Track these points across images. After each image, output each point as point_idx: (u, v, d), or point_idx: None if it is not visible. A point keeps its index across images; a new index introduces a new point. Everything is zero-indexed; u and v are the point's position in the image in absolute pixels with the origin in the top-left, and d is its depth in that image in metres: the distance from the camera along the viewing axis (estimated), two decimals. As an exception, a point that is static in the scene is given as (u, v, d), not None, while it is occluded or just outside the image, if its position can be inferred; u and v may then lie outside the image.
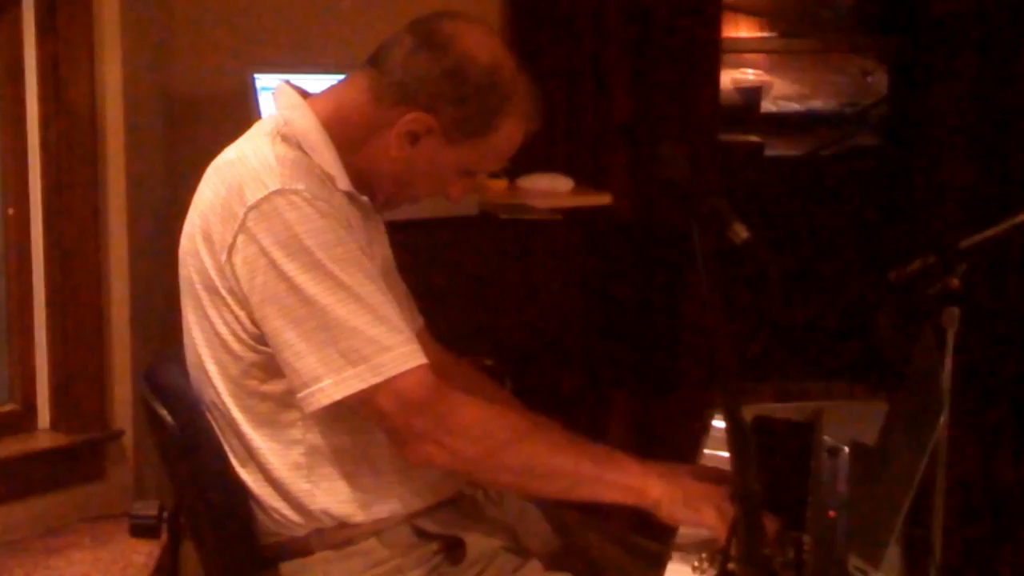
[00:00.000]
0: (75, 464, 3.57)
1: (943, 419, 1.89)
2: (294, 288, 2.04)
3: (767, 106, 7.61)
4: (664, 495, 2.13)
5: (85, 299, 3.54)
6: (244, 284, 2.08)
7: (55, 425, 3.58)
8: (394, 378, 2.05)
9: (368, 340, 2.04)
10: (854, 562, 1.87)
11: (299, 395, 2.07)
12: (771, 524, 1.84)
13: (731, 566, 1.54)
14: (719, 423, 2.64)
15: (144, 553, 3.23)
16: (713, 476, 2.28)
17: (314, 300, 2.03)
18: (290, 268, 2.04)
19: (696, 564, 1.99)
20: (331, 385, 2.04)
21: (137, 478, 3.65)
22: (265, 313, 2.07)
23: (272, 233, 2.04)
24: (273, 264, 2.04)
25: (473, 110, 2.19)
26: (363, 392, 2.04)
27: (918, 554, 2.20)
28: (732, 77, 7.49)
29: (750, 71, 7.62)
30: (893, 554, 1.96)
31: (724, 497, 2.11)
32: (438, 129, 2.19)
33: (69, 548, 3.34)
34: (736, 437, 1.41)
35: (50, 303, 3.53)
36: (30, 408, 3.57)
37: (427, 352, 2.39)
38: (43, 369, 3.56)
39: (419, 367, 2.08)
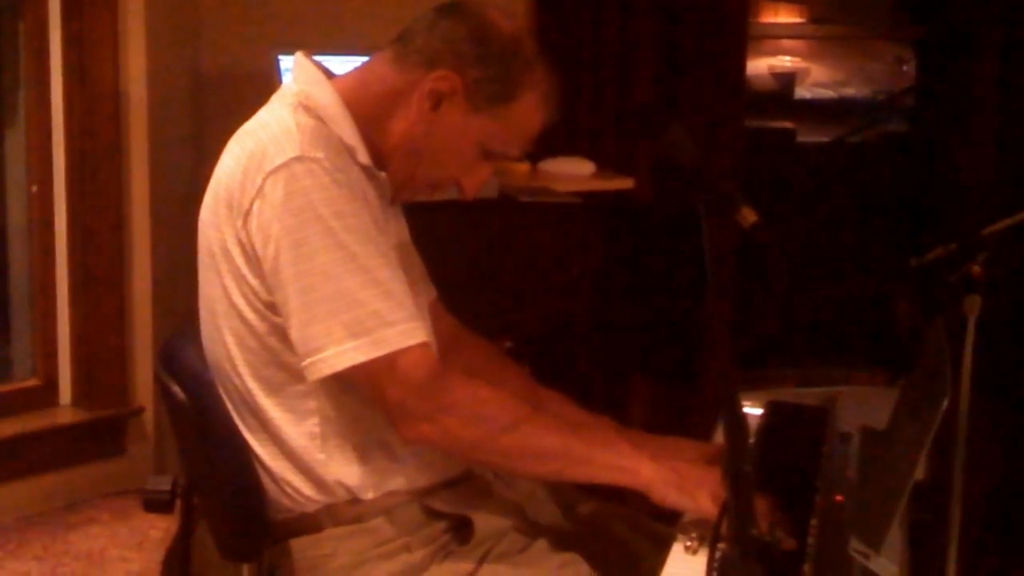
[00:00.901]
0: (96, 440, 3.60)
1: (944, 405, 1.88)
2: (305, 256, 2.06)
3: (802, 92, 7.60)
4: (656, 477, 2.14)
5: (107, 276, 3.56)
6: (259, 250, 2.10)
7: (76, 401, 3.61)
8: (395, 353, 2.06)
9: (373, 313, 2.06)
10: (855, 545, 1.88)
11: (303, 363, 2.08)
12: (763, 503, 1.85)
13: (721, 546, 1.55)
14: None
15: (161, 529, 3.25)
16: (710, 454, 2.29)
17: (323, 269, 2.05)
18: (302, 236, 2.05)
19: (688, 544, 2.00)
20: (333, 355, 2.06)
21: (157, 454, 3.68)
22: (276, 280, 2.09)
23: (288, 199, 2.06)
24: (286, 231, 2.06)
25: (496, 74, 2.20)
26: (364, 365, 2.06)
27: (921, 537, 2.20)
28: (768, 63, 7.49)
29: (787, 58, 7.61)
30: (895, 538, 1.96)
31: (715, 478, 2.13)
32: (461, 90, 2.19)
33: (87, 523, 3.37)
34: (729, 417, 1.42)
35: (73, 280, 3.55)
36: (52, 384, 3.60)
37: (439, 324, 2.45)
38: (65, 346, 3.59)
39: (421, 344, 2.10)
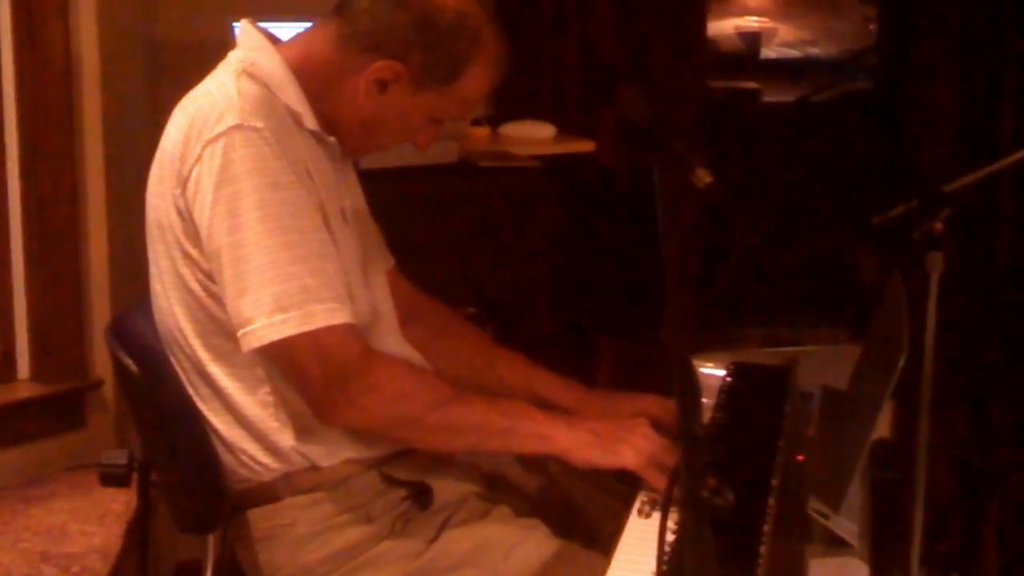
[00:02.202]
0: (55, 414, 3.59)
1: (900, 363, 1.87)
2: (238, 226, 2.04)
3: (768, 53, 7.59)
4: (572, 441, 2.14)
5: (63, 249, 3.54)
6: (196, 219, 2.08)
7: (35, 375, 3.59)
8: (320, 330, 2.05)
9: (301, 287, 2.04)
10: (814, 505, 1.87)
11: (237, 334, 2.07)
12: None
13: (672, 509, 1.53)
14: (703, 369, 2.64)
15: (122, 502, 3.24)
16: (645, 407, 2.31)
17: (255, 241, 2.03)
18: (237, 206, 2.03)
19: (639, 508, 1.99)
20: (262, 328, 2.04)
21: (118, 427, 3.66)
22: (210, 249, 2.07)
23: (224, 168, 2.04)
24: (221, 200, 2.04)
25: (441, 57, 2.18)
26: (290, 340, 2.04)
27: (887, 497, 2.20)
28: (735, 23, 7.47)
29: (754, 18, 7.59)
30: (856, 497, 1.95)
31: (642, 433, 2.14)
32: (406, 76, 2.18)
33: (48, 497, 3.35)
34: (681, 379, 1.40)
35: (28, 253, 3.53)
36: (9, 359, 3.58)
37: (397, 292, 2.44)
38: (22, 319, 3.57)
39: (346, 325, 2.09)
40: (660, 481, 2.05)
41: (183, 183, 2.09)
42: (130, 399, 2.37)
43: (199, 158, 2.06)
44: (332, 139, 2.23)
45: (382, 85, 2.19)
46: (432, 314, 2.62)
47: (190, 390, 2.24)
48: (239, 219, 2.03)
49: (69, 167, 3.51)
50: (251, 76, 2.15)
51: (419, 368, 2.30)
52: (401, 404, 2.14)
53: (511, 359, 2.58)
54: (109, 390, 3.61)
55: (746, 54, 7.40)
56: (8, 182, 3.50)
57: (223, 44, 3.49)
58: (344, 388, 2.09)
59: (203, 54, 3.74)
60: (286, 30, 2.34)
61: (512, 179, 3.89)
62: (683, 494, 1.30)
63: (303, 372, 2.10)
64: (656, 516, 1.90)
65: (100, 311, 3.60)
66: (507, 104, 4.19)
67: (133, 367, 2.22)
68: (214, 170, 2.05)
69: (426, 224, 3.62)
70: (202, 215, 2.07)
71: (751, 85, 6.81)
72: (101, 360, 3.59)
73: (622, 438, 2.13)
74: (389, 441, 2.24)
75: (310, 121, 2.18)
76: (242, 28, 2.29)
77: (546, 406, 2.45)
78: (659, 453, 2.11)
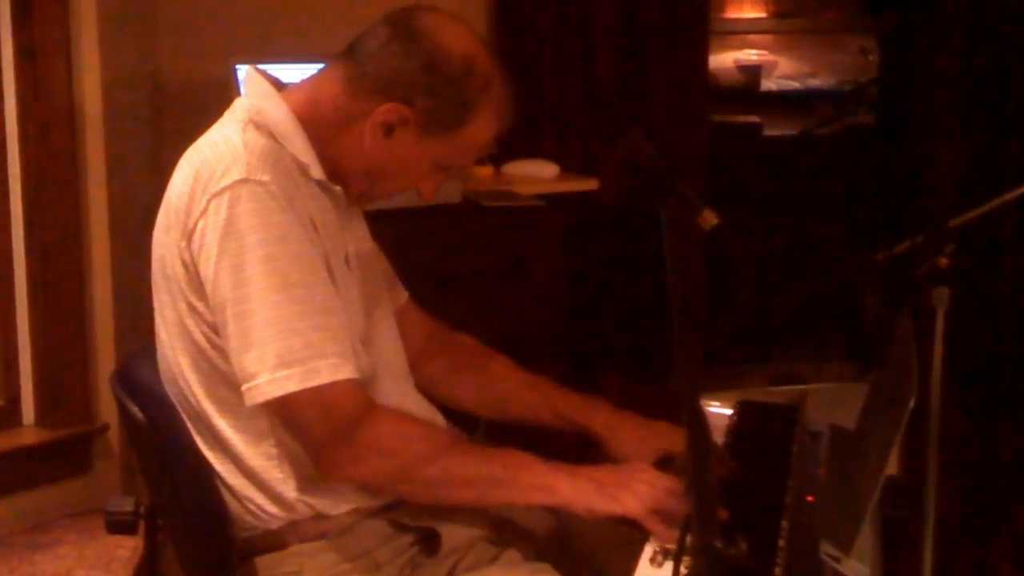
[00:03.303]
0: (61, 459, 3.58)
1: (911, 403, 1.86)
2: (243, 280, 2.03)
3: (768, 85, 7.61)
4: (574, 491, 2.12)
5: (67, 294, 3.54)
6: (201, 271, 2.08)
7: (40, 421, 3.59)
8: (324, 386, 2.04)
9: (305, 344, 2.03)
10: (825, 548, 1.85)
11: (242, 389, 2.06)
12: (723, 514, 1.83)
13: (685, 559, 1.53)
14: (710, 408, 2.63)
15: (128, 548, 3.23)
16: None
17: (261, 295, 2.02)
18: (242, 260, 2.03)
19: (651, 556, 1.98)
20: (265, 383, 2.03)
21: (124, 472, 3.65)
22: (216, 303, 2.07)
23: (230, 222, 2.04)
24: (227, 254, 2.04)
25: (448, 102, 2.17)
26: (294, 395, 2.03)
27: (896, 535, 2.18)
28: (734, 57, 7.49)
29: (753, 51, 7.62)
30: (867, 536, 1.93)
31: (646, 482, 2.11)
32: (413, 120, 2.18)
33: (54, 544, 3.34)
34: (692, 427, 1.39)
35: (32, 298, 3.53)
36: (14, 404, 3.58)
37: (415, 324, 2.49)
38: (27, 365, 3.57)
39: (350, 381, 2.08)
40: (662, 530, 2.03)
41: (188, 236, 2.08)
42: (136, 446, 2.36)
43: (204, 211, 2.06)
44: (338, 188, 2.22)
45: (388, 129, 2.18)
46: (452, 344, 2.62)
47: (196, 437, 2.23)
48: (244, 273, 2.03)
49: (73, 211, 3.52)
50: (257, 127, 2.15)
51: (422, 422, 2.27)
52: (400, 460, 2.13)
53: (537, 383, 2.57)
54: (114, 435, 3.61)
55: (747, 87, 7.42)
56: (12, 227, 3.50)
57: (225, 85, 3.52)
58: (347, 444, 2.08)
59: (205, 96, 3.80)
60: (288, 72, 2.34)
61: (516, 218, 3.89)
62: (696, 544, 1.29)
63: (306, 427, 2.09)
64: (668, 566, 1.89)
65: (105, 356, 3.60)
66: (510, 143, 4.20)
67: (139, 415, 2.20)
68: (219, 224, 2.04)
69: (430, 263, 3.62)
70: (207, 269, 2.06)
71: (752, 119, 6.82)
72: (106, 405, 3.59)
73: (624, 485, 2.11)
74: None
75: (316, 171, 2.18)
76: (247, 75, 2.28)
77: (574, 428, 2.45)
78: (663, 500, 2.08)
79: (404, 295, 2.55)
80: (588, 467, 2.24)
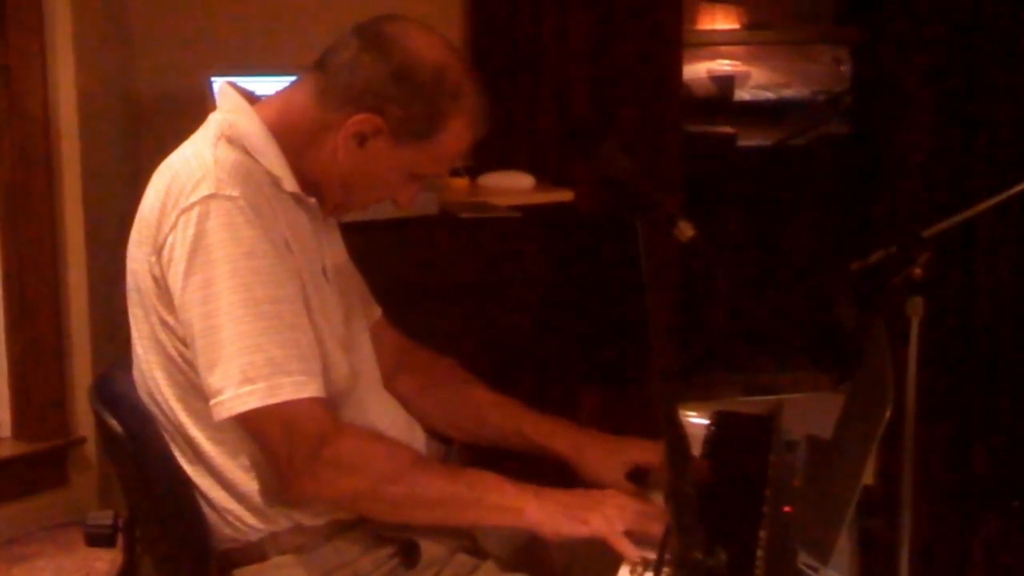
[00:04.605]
0: (38, 472, 3.57)
1: (887, 414, 1.87)
2: (210, 296, 2.03)
3: (742, 95, 7.63)
4: (541, 513, 2.13)
5: (44, 307, 3.53)
6: (170, 286, 2.08)
7: (16, 434, 3.58)
8: (288, 403, 2.05)
9: (268, 360, 2.03)
10: (803, 559, 1.86)
11: (209, 404, 2.06)
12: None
13: (666, 570, 1.53)
14: (687, 418, 2.64)
15: (106, 560, 3.22)
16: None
17: (226, 311, 2.03)
18: (209, 275, 2.03)
19: (631, 569, 1.98)
20: (230, 399, 2.03)
21: (101, 484, 3.64)
22: (184, 318, 2.07)
23: (198, 238, 2.04)
24: (194, 269, 2.04)
25: (420, 111, 2.18)
26: (257, 412, 2.04)
27: (871, 546, 2.20)
28: (707, 67, 7.51)
29: (726, 61, 7.63)
30: (844, 545, 1.95)
31: (613, 502, 2.12)
32: (386, 130, 2.18)
33: (33, 556, 3.33)
34: (671, 437, 1.40)
35: (8, 312, 3.53)
36: (-9, 416, 3.57)
37: (385, 342, 2.46)
38: (3, 377, 3.57)
39: (313, 399, 2.08)
40: (629, 548, 2.03)
41: (158, 251, 2.09)
42: (114, 459, 2.36)
43: (174, 226, 2.06)
44: (312, 200, 2.22)
45: (361, 139, 2.19)
46: (423, 362, 2.62)
47: (173, 449, 2.22)
48: (211, 289, 2.03)
49: (49, 224, 3.51)
50: (229, 141, 2.15)
51: (387, 440, 2.25)
52: (362, 478, 2.13)
53: (504, 404, 2.57)
54: (91, 447, 3.60)
55: (720, 97, 7.44)
56: (-12, 242, 3.50)
57: (201, 98, 3.52)
58: (309, 461, 2.08)
59: (181, 109, 3.80)
60: (263, 85, 2.34)
61: (492, 229, 3.89)
62: (676, 555, 1.30)
63: (269, 444, 2.09)
64: (647, 576, 1.90)
65: (81, 368, 3.59)
66: (485, 154, 4.20)
67: (117, 427, 2.20)
68: (188, 239, 2.04)
69: (407, 275, 3.62)
70: (176, 284, 2.06)
71: (726, 129, 6.84)
72: (83, 417, 3.58)
73: (591, 507, 2.11)
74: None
75: (290, 184, 2.18)
76: (221, 89, 2.28)
77: (541, 451, 2.46)
78: (633, 520, 2.09)
79: (378, 312, 2.56)
80: (557, 490, 2.23)
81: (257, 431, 2.10)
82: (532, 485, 2.20)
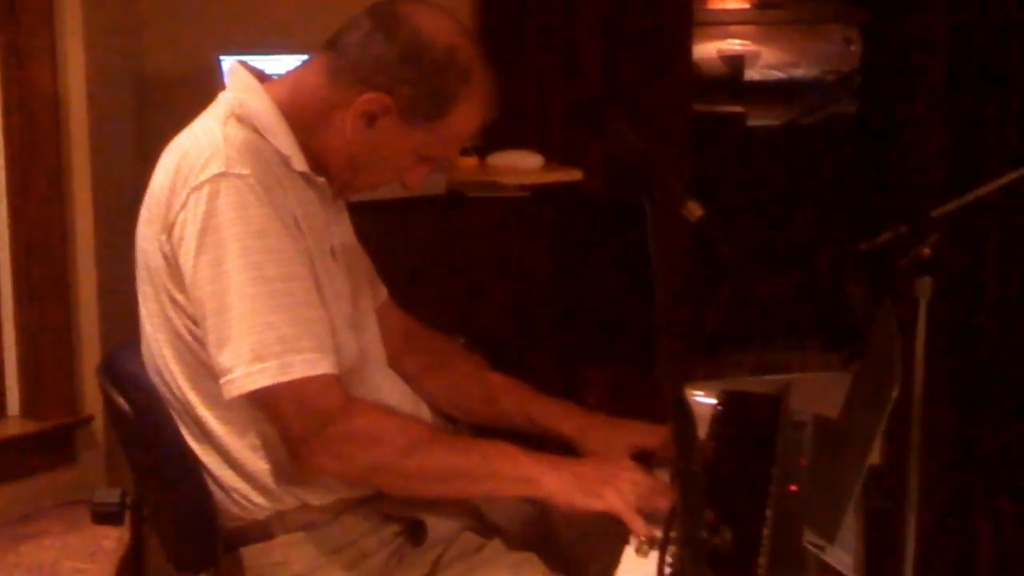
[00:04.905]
0: (46, 450, 3.57)
1: (895, 393, 1.87)
2: (221, 274, 2.04)
3: (752, 75, 7.61)
4: (558, 485, 2.14)
5: (52, 285, 3.53)
6: (181, 264, 2.08)
7: (25, 412, 3.58)
8: (298, 381, 2.05)
9: (280, 338, 2.04)
10: (809, 537, 1.86)
11: (219, 382, 2.07)
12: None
13: (671, 548, 1.54)
14: (694, 397, 2.64)
15: (114, 538, 3.22)
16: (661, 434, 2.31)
17: (238, 289, 2.03)
18: (220, 254, 2.04)
19: (636, 546, 1.99)
20: (241, 377, 2.04)
21: (108, 463, 3.65)
22: (195, 296, 2.08)
23: (209, 216, 2.04)
24: (205, 247, 2.04)
25: (430, 91, 2.18)
26: (269, 389, 2.04)
27: (878, 525, 2.20)
28: (717, 47, 7.49)
29: (736, 41, 7.61)
30: (851, 525, 1.95)
31: (628, 477, 2.13)
32: (395, 110, 2.18)
33: (39, 534, 3.33)
34: (677, 417, 1.40)
35: (17, 290, 3.52)
36: (-1, 395, 3.57)
37: (391, 323, 2.46)
38: (11, 356, 3.56)
39: (326, 375, 2.08)
40: (641, 526, 2.04)
41: (169, 229, 2.09)
42: (121, 437, 2.37)
43: (184, 205, 2.06)
44: (321, 179, 2.22)
45: (370, 118, 2.18)
46: (428, 344, 2.62)
47: (181, 427, 2.23)
48: (222, 267, 2.03)
49: (58, 203, 3.51)
50: (239, 119, 2.15)
51: (400, 414, 2.28)
52: (378, 451, 2.14)
53: (509, 386, 2.58)
54: (99, 425, 3.60)
55: (730, 77, 7.42)
56: (-3, 221, 3.50)
57: (211, 78, 3.51)
58: (322, 436, 2.08)
59: (190, 88, 3.79)
60: (273, 64, 2.34)
61: (501, 209, 3.89)
62: (681, 534, 1.30)
63: (282, 421, 2.10)
64: (653, 555, 1.90)
65: (90, 346, 3.59)
66: (494, 133, 4.20)
67: (125, 406, 2.21)
68: (198, 217, 2.04)
69: (415, 255, 3.62)
70: (187, 262, 2.07)
71: (736, 109, 6.82)
72: (91, 396, 3.58)
73: (606, 481, 2.12)
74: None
75: (299, 163, 2.18)
76: (232, 68, 2.28)
77: (545, 433, 2.46)
78: (645, 496, 2.10)
79: (384, 293, 2.56)
80: (572, 460, 2.25)
81: (270, 409, 2.10)
82: (547, 455, 2.22)
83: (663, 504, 2.03)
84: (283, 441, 2.13)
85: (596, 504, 2.11)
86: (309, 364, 2.05)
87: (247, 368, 2.03)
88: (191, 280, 2.07)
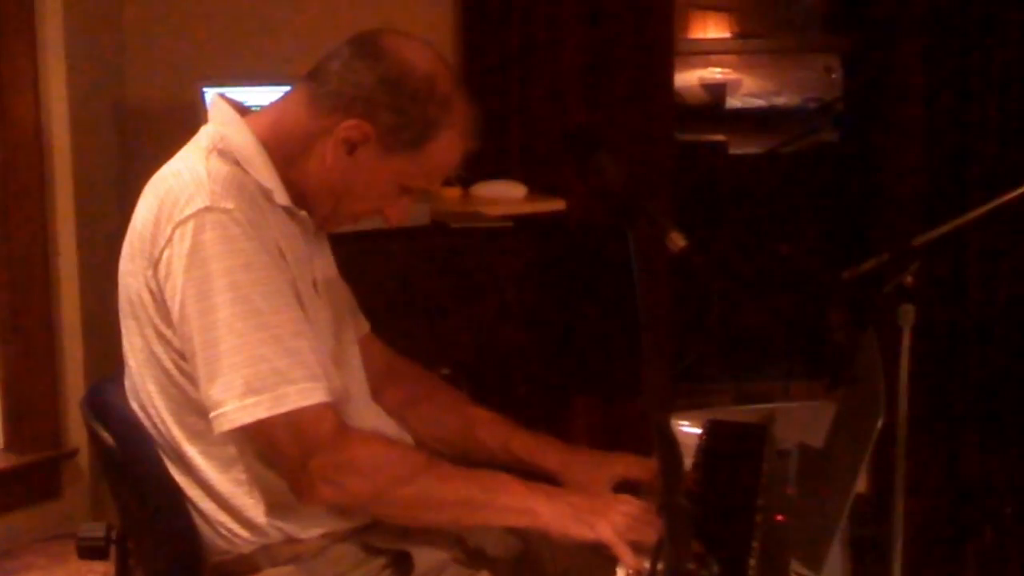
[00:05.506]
0: (30, 484, 3.57)
1: (879, 423, 1.87)
2: (209, 308, 2.03)
3: (733, 103, 7.62)
4: (553, 515, 2.14)
5: (36, 319, 3.53)
6: (167, 300, 2.08)
7: (9, 446, 3.57)
8: (294, 412, 2.05)
9: (273, 370, 2.03)
10: (796, 567, 1.87)
11: (209, 416, 2.06)
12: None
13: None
14: (679, 427, 2.64)
15: (99, 573, 3.22)
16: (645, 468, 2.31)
17: (227, 323, 2.03)
18: (207, 288, 2.03)
19: (626, 578, 1.99)
20: (233, 411, 2.03)
21: (93, 496, 3.64)
22: (183, 331, 2.07)
23: (195, 251, 2.04)
24: (192, 282, 2.04)
25: (410, 119, 2.18)
26: (264, 422, 2.04)
27: (864, 554, 2.20)
28: (699, 75, 7.51)
29: (717, 70, 7.63)
30: (837, 556, 1.95)
31: (620, 509, 2.14)
32: (375, 138, 2.18)
33: (24, 569, 3.33)
34: (663, 450, 1.40)
35: (1, 323, 3.51)
36: (-18, 428, 3.56)
37: (372, 356, 2.45)
38: (-5, 390, 3.55)
39: (321, 405, 2.08)
40: (631, 558, 2.04)
41: (154, 265, 2.09)
42: (106, 471, 2.36)
43: (169, 240, 2.06)
44: (303, 213, 2.22)
45: (351, 146, 2.18)
46: (409, 378, 2.62)
47: (166, 463, 2.22)
48: (210, 302, 2.03)
49: (41, 235, 3.51)
50: (221, 154, 2.15)
51: (396, 443, 2.29)
52: (376, 480, 2.14)
53: (491, 421, 2.57)
54: (84, 459, 3.60)
55: (712, 106, 7.44)
56: (-20, 254, 3.50)
57: (193, 108, 3.52)
58: (321, 467, 2.08)
59: (173, 118, 3.80)
60: (257, 95, 2.34)
61: (484, 239, 3.89)
62: (669, 566, 1.30)
63: (279, 452, 2.10)
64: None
65: (74, 380, 3.59)
66: (477, 164, 4.21)
67: (109, 439, 2.20)
68: (184, 253, 2.04)
69: (399, 286, 3.62)
70: (173, 297, 2.06)
71: (718, 137, 6.84)
72: (75, 429, 3.57)
73: (600, 512, 2.13)
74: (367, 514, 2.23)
75: (281, 197, 2.18)
76: (213, 102, 2.28)
77: (527, 467, 2.45)
78: (637, 528, 2.10)
79: (366, 326, 2.56)
80: (565, 491, 2.25)
81: (265, 441, 2.10)
82: (541, 486, 2.22)
83: (655, 536, 2.03)
84: (280, 473, 2.13)
85: (587, 534, 2.11)
86: (303, 394, 2.05)
87: (240, 401, 2.02)
88: (179, 315, 2.06)
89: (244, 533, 2.19)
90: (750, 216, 6.22)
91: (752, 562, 1.92)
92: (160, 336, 2.13)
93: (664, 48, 4.86)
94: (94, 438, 2.25)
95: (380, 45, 2.20)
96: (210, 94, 3.46)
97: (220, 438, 2.11)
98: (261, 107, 2.30)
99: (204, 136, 2.22)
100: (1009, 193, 3.10)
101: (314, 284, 2.24)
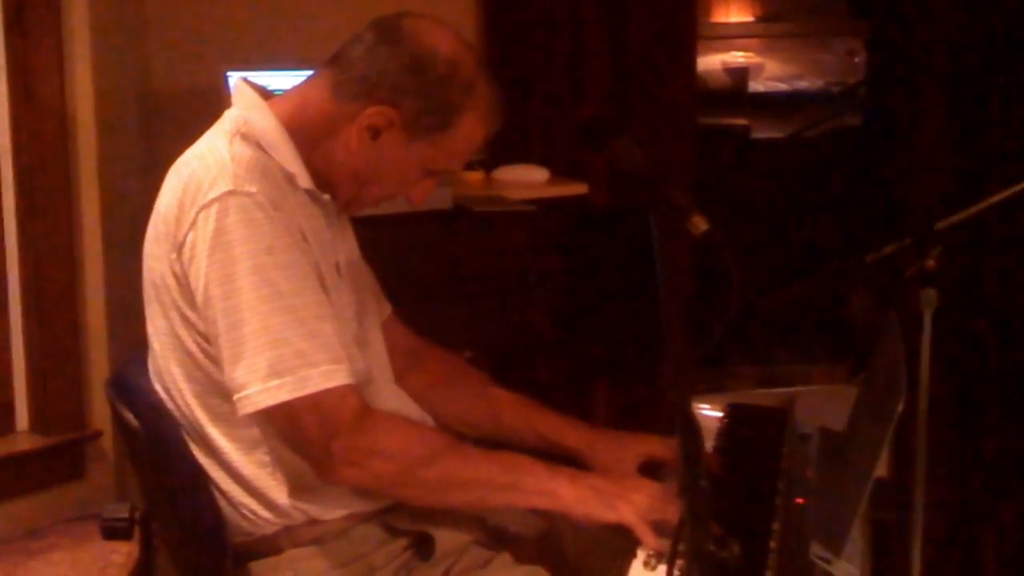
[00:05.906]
0: (54, 465, 3.57)
1: (900, 406, 1.88)
2: (233, 291, 2.04)
3: (756, 87, 7.61)
4: (575, 497, 2.15)
5: (61, 300, 3.54)
6: (192, 283, 2.09)
7: (34, 427, 3.58)
8: (317, 394, 2.06)
9: (296, 352, 2.04)
10: (816, 549, 1.87)
11: (233, 398, 2.07)
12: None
13: (679, 562, 1.54)
14: (700, 411, 2.65)
15: (123, 553, 3.22)
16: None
17: (251, 305, 2.04)
18: (231, 271, 2.04)
19: (644, 560, 2.00)
20: (256, 393, 2.04)
21: (117, 477, 3.65)
22: (207, 314, 2.08)
23: (218, 234, 2.05)
24: (216, 265, 2.05)
25: (434, 104, 2.19)
26: (287, 404, 2.05)
27: (885, 537, 2.20)
28: (721, 59, 7.50)
29: (740, 53, 7.62)
30: (857, 538, 1.95)
31: (642, 492, 2.15)
32: (399, 123, 2.19)
33: (49, 550, 3.33)
34: (684, 433, 1.41)
35: (25, 305, 3.52)
36: (8, 410, 3.56)
37: (396, 339, 2.47)
38: (20, 371, 3.56)
39: (344, 387, 2.09)
40: (652, 539, 2.05)
41: (178, 248, 2.10)
42: (130, 452, 2.37)
43: (193, 224, 2.07)
44: (326, 196, 2.24)
45: (375, 132, 2.20)
46: (433, 360, 2.63)
47: (190, 445, 2.24)
48: (234, 284, 2.04)
49: (66, 218, 3.52)
50: (244, 137, 2.16)
51: (419, 424, 2.30)
52: (399, 461, 2.14)
53: (515, 402, 2.58)
54: (108, 440, 3.60)
55: (734, 90, 7.43)
56: (5, 236, 3.50)
57: (217, 93, 3.52)
58: (344, 449, 2.09)
59: (197, 103, 3.81)
60: (280, 79, 2.35)
61: (506, 222, 3.90)
62: (689, 548, 1.31)
63: (303, 434, 2.10)
64: (661, 569, 1.91)
65: (98, 361, 3.60)
66: (500, 148, 4.21)
67: (133, 421, 2.21)
68: (208, 236, 2.05)
69: (422, 270, 3.63)
70: (197, 280, 2.08)
71: (740, 121, 6.83)
72: (100, 410, 3.58)
73: (621, 494, 2.13)
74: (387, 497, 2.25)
75: (304, 180, 2.19)
76: (236, 86, 2.29)
77: (553, 448, 2.46)
78: (658, 510, 2.10)
79: (388, 309, 2.57)
80: (587, 473, 2.26)
81: (288, 423, 2.10)
82: (563, 468, 2.23)
83: (676, 518, 2.04)
84: (304, 456, 2.14)
85: (609, 516, 2.13)
86: (326, 376, 2.06)
87: (264, 384, 2.04)
88: (203, 298, 2.07)
89: (267, 514, 2.20)
90: (772, 200, 6.21)
91: (772, 544, 1.93)
92: (184, 319, 2.14)
93: (686, 32, 4.85)
94: (118, 420, 2.26)
95: (403, 30, 2.21)
96: (233, 78, 3.48)
97: (243, 420, 2.13)
98: (284, 91, 2.31)
99: (227, 120, 2.23)
100: (1031, 177, 3.10)
101: (337, 267, 2.25)
